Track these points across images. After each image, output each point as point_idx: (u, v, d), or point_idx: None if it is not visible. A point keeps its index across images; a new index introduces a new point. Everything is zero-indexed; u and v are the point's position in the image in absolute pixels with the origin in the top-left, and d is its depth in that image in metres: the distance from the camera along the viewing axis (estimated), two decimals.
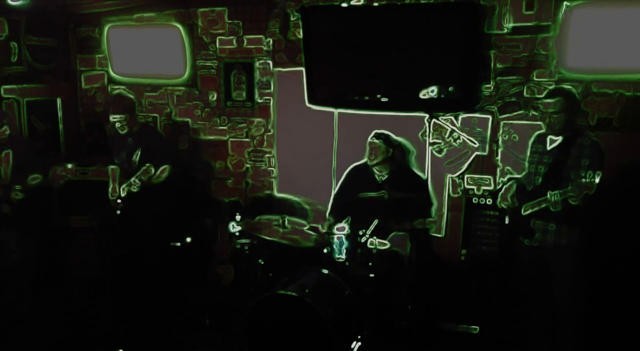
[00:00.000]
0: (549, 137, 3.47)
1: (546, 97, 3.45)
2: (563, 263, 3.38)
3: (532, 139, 3.70)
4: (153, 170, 4.24)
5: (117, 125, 4.45)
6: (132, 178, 4.23)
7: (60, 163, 4.27)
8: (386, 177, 4.39)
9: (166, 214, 4.60)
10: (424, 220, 4.40)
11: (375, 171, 4.42)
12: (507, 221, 3.60)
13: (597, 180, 2.92)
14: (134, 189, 4.24)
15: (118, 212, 4.31)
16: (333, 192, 4.81)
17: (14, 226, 4.17)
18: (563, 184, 3.23)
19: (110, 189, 4.43)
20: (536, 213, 3.34)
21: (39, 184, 4.18)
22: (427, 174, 4.29)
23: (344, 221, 4.02)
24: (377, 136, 4.39)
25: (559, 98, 3.35)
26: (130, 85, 5.44)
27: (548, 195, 3.18)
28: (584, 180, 2.97)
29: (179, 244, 4.76)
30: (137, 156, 4.47)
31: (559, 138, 3.41)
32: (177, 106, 5.36)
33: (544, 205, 3.24)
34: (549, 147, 3.46)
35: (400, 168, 4.50)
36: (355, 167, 4.64)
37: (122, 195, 4.27)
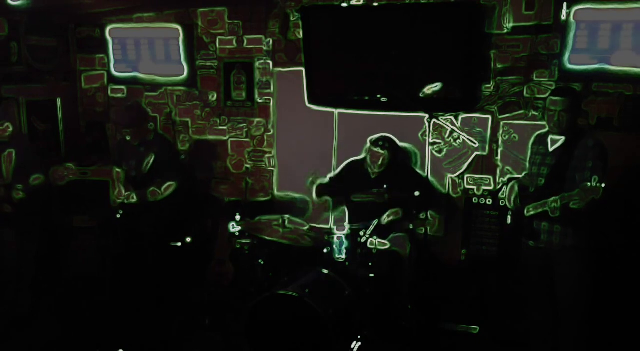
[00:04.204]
0: (550, 137, 3.44)
1: (553, 94, 3.40)
2: (568, 265, 3.35)
3: (532, 140, 3.66)
4: (161, 191, 4.33)
5: (127, 138, 4.46)
6: (132, 194, 4.29)
7: (60, 163, 4.27)
8: (376, 175, 4.35)
9: (167, 215, 4.59)
10: (423, 220, 4.41)
11: (370, 171, 4.41)
12: (509, 221, 3.59)
13: (603, 185, 2.88)
14: (134, 201, 4.28)
15: (118, 216, 4.33)
16: (329, 175, 4.81)
17: (15, 226, 4.16)
18: (567, 186, 3.20)
19: (116, 192, 4.44)
20: (541, 215, 3.30)
21: (40, 184, 4.18)
22: (427, 174, 4.29)
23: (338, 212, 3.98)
24: (382, 146, 4.25)
25: (566, 96, 3.32)
26: (130, 85, 5.44)
27: (548, 203, 3.15)
28: (589, 184, 2.92)
29: (179, 244, 4.76)
30: (147, 165, 4.46)
31: (562, 139, 3.37)
32: (177, 106, 5.36)
33: (546, 208, 3.22)
34: (551, 148, 3.42)
35: (400, 167, 4.49)
36: (353, 161, 4.64)
37: (125, 201, 4.29)
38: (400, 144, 4.51)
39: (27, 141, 4.63)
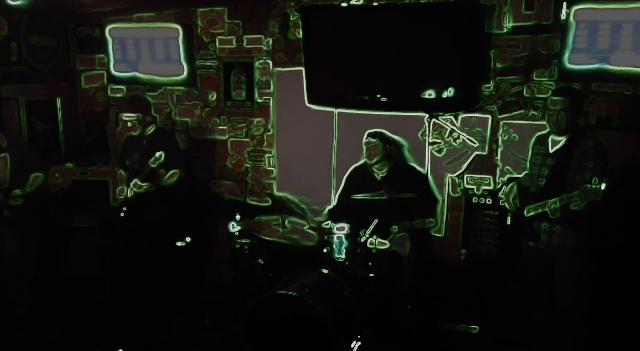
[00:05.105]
0: (551, 138, 3.44)
1: (554, 94, 3.41)
2: (569, 265, 3.35)
3: (533, 140, 3.67)
4: (163, 160, 4.29)
5: (129, 125, 4.49)
6: (136, 179, 4.26)
7: (60, 163, 4.27)
8: (386, 174, 4.39)
9: (169, 214, 4.60)
10: (423, 220, 4.41)
11: (374, 170, 4.43)
12: (509, 221, 3.59)
13: (603, 187, 2.88)
14: (141, 190, 4.27)
15: (122, 214, 4.34)
16: (334, 193, 4.82)
17: (15, 226, 4.16)
18: (568, 187, 3.21)
19: (118, 190, 4.45)
20: (541, 215, 3.30)
21: (41, 183, 4.18)
22: (427, 172, 4.28)
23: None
24: (372, 135, 4.40)
25: (566, 96, 3.33)
26: (130, 85, 5.44)
27: (548, 205, 3.16)
28: (589, 186, 2.93)
29: (183, 244, 4.77)
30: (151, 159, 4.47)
31: (562, 140, 3.37)
32: (177, 106, 5.36)
33: (546, 209, 3.22)
34: (551, 149, 3.42)
35: (399, 165, 4.51)
36: (355, 168, 4.65)
37: (130, 195, 4.30)
38: (390, 135, 4.53)
39: (25, 142, 4.63)
